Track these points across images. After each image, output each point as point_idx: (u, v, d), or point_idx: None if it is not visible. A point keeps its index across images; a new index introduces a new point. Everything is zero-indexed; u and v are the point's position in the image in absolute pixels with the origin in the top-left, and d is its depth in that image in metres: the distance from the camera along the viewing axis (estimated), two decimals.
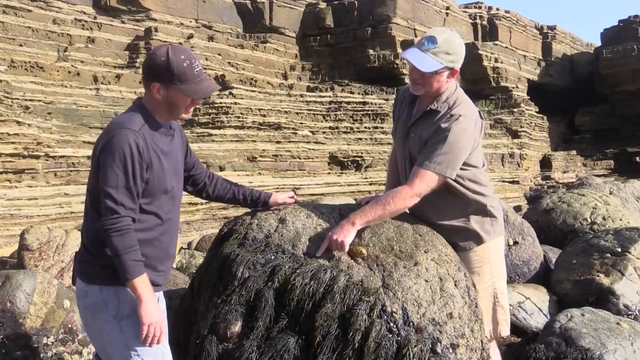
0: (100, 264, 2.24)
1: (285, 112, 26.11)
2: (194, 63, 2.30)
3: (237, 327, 2.46)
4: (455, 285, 2.56)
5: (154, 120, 2.32)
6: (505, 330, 2.93)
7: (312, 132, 26.35)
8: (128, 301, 2.26)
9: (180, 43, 25.37)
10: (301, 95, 27.35)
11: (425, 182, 2.59)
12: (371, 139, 27.50)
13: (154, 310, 2.24)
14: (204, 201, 21.10)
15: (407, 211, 2.82)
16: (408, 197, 2.59)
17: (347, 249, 2.54)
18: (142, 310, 2.21)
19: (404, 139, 2.80)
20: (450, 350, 2.36)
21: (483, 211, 2.79)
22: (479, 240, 2.79)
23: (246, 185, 2.85)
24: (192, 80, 2.29)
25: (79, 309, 2.39)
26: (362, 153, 26.79)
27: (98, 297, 2.25)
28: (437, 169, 2.58)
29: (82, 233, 2.36)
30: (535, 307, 4.66)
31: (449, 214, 2.76)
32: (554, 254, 5.56)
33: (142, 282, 2.21)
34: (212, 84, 2.39)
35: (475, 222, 2.77)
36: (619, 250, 4.97)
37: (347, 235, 2.53)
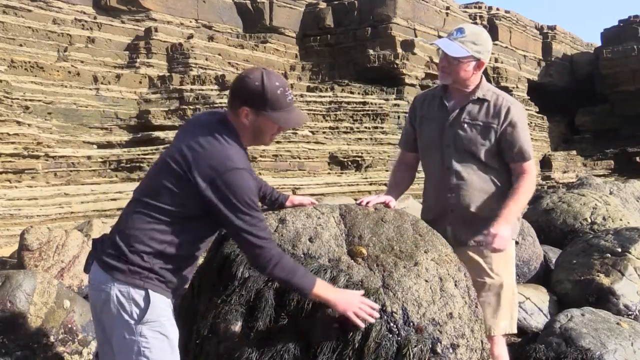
0: (139, 266, 2.20)
1: None
2: (286, 91, 2.26)
3: (237, 327, 2.46)
4: (455, 285, 2.56)
5: (244, 147, 2.29)
6: (514, 327, 3.02)
7: (312, 132, 26.34)
8: (157, 307, 2.22)
9: (180, 43, 25.38)
10: (301, 95, 27.33)
11: (533, 171, 2.88)
12: (371, 139, 27.49)
13: (347, 296, 2.29)
14: None
15: (448, 198, 2.93)
16: (533, 187, 2.91)
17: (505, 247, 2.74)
18: (339, 307, 2.27)
19: (440, 133, 2.91)
20: (450, 350, 2.36)
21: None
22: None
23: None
24: (284, 109, 2.24)
25: (93, 298, 2.29)
26: (362, 153, 26.78)
27: (125, 295, 2.20)
28: (532, 155, 2.88)
29: (125, 229, 2.24)
30: (535, 307, 4.66)
31: (492, 207, 2.86)
32: (554, 254, 5.57)
33: (321, 289, 2.26)
34: (302, 114, 2.37)
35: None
36: (619, 250, 4.97)
37: (508, 234, 2.76)
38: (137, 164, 21.44)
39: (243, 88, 2.24)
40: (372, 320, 2.29)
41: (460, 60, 2.77)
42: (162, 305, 2.25)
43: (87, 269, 2.33)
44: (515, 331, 3.07)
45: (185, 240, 2.27)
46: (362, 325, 2.27)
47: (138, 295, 2.20)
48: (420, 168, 3.18)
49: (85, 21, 24.09)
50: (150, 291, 2.21)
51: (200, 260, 2.55)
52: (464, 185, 2.87)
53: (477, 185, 2.87)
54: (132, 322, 2.20)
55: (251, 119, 2.25)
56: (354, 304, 2.28)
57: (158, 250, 2.22)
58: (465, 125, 2.86)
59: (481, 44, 2.80)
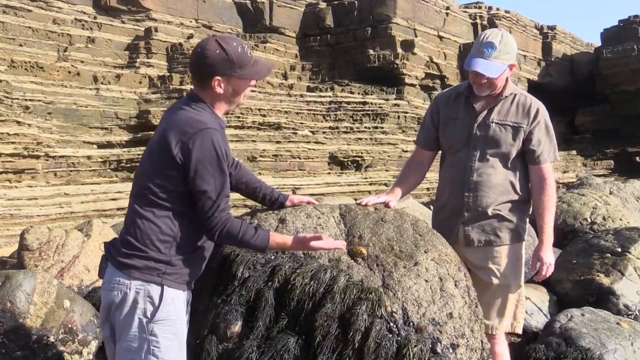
0: (156, 260, 2.21)
1: (285, 112, 26.10)
2: (244, 46, 2.31)
3: (237, 327, 2.46)
4: (455, 285, 2.56)
5: (218, 117, 2.32)
6: (520, 328, 3.04)
7: (312, 132, 26.34)
8: (169, 304, 2.22)
9: (180, 43, 25.37)
10: (301, 95, 27.35)
11: (552, 175, 2.93)
12: (371, 139, 27.48)
13: (305, 240, 2.33)
14: None
15: (462, 199, 2.96)
16: (555, 193, 2.96)
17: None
18: (304, 248, 2.37)
19: (467, 133, 2.93)
20: (450, 350, 2.36)
21: (527, 214, 3.04)
22: (520, 238, 3.01)
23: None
24: (249, 64, 2.30)
25: (107, 300, 2.25)
26: (362, 153, 26.77)
27: (141, 292, 2.20)
28: (553, 157, 2.93)
29: (133, 227, 2.25)
30: (535, 307, 4.66)
31: (507, 209, 2.94)
32: (554, 254, 5.57)
33: (277, 240, 2.31)
34: (267, 62, 2.43)
35: (521, 222, 3.00)
36: (619, 250, 4.97)
37: (553, 257, 2.96)
38: (137, 164, 21.39)
39: (206, 61, 2.26)
40: (341, 246, 2.42)
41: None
42: (175, 303, 2.25)
43: (101, 274, 2.32)
44: (520, 332, 3.10)
45: (193, 224, 2.27)
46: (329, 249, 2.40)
47: (154, 292, 2.21)
48: (431, 168, 3.19)
49: (85, 21, 24.08)
50: (165, 287, 2.22)
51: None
52: (482, 185, 2.90)
53: (495, 186, 2.89)
54: (145, 320, 2.20)
55: (224, 85, 2.28)
56: (316, 243, 2.33)
57: (171, 236, 2.23)
58: (494, 125, 2.89)
59: (512, 50, 2.85)
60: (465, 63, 2.88)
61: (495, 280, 2.93)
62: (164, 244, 2.23)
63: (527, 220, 3.05)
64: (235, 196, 2.60)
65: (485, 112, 2.92)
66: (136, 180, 2.35)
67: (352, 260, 2.55)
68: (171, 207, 2.23)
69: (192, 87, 2.39)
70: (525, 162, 2.94)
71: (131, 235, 2.24)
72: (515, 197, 2.93)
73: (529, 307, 4.62)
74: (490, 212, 2.91)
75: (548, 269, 2.90)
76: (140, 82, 23.78)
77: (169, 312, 2.23)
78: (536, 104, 2.92)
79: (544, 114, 2.90)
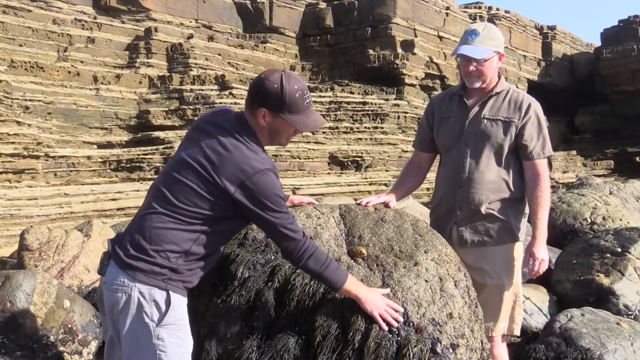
0: (162, 266, 2.18)
1: None
2: (305, 94, 2.29)
3: (237, 327, 2.46)
4: (455, 285, 2.56)
5: (263, 147, 2.30)
6: (518, 330, 3.02)
7: (312, 132, 26.33)
8: (176, 309, 2.20)
9: (180, 43, 25.37)
10: None
11: (547, 171, 2.89)
12: (371, 139, 27.47)
13: (375, 296, 2.31)
14: None
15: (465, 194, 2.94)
16: (549, 189, 2.92)
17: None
18: (367, 307, 2.28)
19: (460, 130, 2.94)
20: (450, 351, 2.35)
21: (524, 214, 3.01)
22: (514, 238, 2.97)
23: None
24: (301, 112, 2.27)
25: (110, 300, 2.21)
26: (362, 153, 26.76)
27: (146, 296, 2.17)
28: (546, 153, 2.90)
29: (149, 231, 2.20)
30: (535, 307, 4.67)
31: (500, 207, 2.91)
32: (554, 254, 5.57)
33: (351, 285, 2.29)
34: (319, 118, 2.38)
35: (516, 221, 2.97)
36: (619, 250, 4.97)
37: (547, 254, 2.88)
38: (137, 164, 21.44)
39: (262, 89, 2.24)
40: (395, 324, 2.30)
41: (485, 59, 2.83)
42: (181, 308, 2.24)
43: (102, 270, 2.27)
44: (518, 333, 3.07)
45: (213, 239, 2.27)
46: (385, 328, 2.28)
47: (159, 296, 2.18)
48: (432, 168, 3.20)
49: (85, 21, 24.06)
50: (171, 292, 2.20)
51: None
52: (474, 182, 2.89)
53: (487, 183, 2.88)
54: (151, 324, 2.17)
55: (268, 120, 2.25)
56: (380, 306, 2.29)
57: (185, 249, 2.21)
58: (486, 121, 2.89)
59: (497, 38, 2.87)
60: (452, 53, 2.91)
61: (489, 281, 2.91)
62: (175, 254, 2.20)
63: (524, 219, 3.01)
64: None
65: (477, 108, 2.92)
66: (164, 181, 2.27)
67: (352, 261, 2.55)
68: (195, 225, 2.21)
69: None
70: (520, 159, 2.93)
71: (145, 239, 2.20)
72: (509, 194, 2.91)
73: (529, 307, 4.62)
74: (483, 211, 2.89)
75: (541, 265, 2.85)
76: (140, 82, 23.77)
77: (176, 316, 2.21)
78: (528, 99, 2.91)
79: (536, 109, 2.89)
